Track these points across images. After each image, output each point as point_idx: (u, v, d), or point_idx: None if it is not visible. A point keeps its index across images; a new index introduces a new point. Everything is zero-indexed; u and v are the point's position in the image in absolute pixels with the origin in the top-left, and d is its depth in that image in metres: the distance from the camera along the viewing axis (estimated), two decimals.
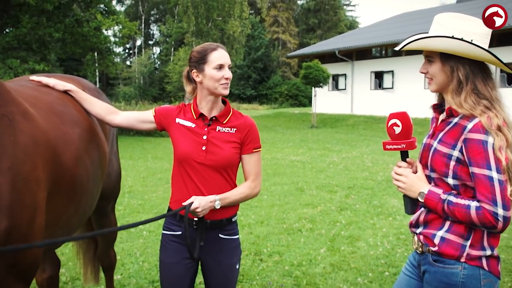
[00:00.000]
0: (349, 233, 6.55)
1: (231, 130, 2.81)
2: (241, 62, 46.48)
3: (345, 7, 73.22)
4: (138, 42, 63.33)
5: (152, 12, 65.62)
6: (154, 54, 63.94)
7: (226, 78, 2.71)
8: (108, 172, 3.55)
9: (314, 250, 5.81)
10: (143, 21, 60.21)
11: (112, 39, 26.36)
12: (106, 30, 21.29)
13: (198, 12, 34.30)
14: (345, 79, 31.93)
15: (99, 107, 3.02)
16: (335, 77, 32.15)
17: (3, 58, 16.70)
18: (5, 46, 17.27)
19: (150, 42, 66.63)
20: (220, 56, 2.73)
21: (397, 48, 2.23)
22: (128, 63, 62.24)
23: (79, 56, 25.12)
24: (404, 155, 2.31)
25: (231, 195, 2.77)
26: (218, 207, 2.70)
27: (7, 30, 18.99)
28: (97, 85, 52.86)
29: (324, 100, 31.42)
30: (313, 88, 27.68)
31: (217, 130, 2.80)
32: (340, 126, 25.76)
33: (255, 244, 6.04)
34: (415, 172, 2.24)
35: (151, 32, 67.49)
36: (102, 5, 20.50)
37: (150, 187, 9.85)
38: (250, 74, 54.24)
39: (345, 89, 31.95)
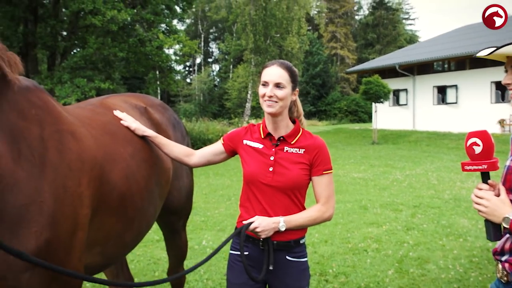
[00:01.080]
0: (417, 254, 6.27)
1: (299, 150, 2.73)
2: (299, 79, 46.34)
3: (404, 21, 72.02)
4: (198, 60, 64.55)
5: (211, 30, 66.83)
6: (213, 72, 64.95)
7: (269, 96, 2.64)
8: (179, 187, 3.59)
9: (381, 272, 5.58)
10: (202, 39, 61.41)
11: (173, 57, 26.94)
12: (167, 49, 21.75)
13: (256, 29, 34.62)
14: (407, 94, 31.23)
15: (177, 151, 3.03)
16: (396, 92, 31.52)
17: (71, 77, 17.30)
18: (73, 66, 17.91)
19: (210, 60, 67.77)
20: (268, 73, 2.68)
21: (481, 55, 2.08)
22: (188, 80, 63.49)
23: (142, 75, 25.75)
24: (485, 177, 2.10)
25: (298, 218, 2.68)
26: (283, 229, 2.62)
27: (75, 51, 19.74)
28: None
29: (385, 116, 30.84)
30: (373, 103, 27.20)
31: (284, 151, 2.73)
32: (402, 142, 25.12)
33: (319, 264, 5.88)
34: (498, 196, 2.05)
35: (211, 50, 68.70)
36: (163, 25, 20.96)
37: (212, 204, 9.87)
38: (309, 90, 54.09)
39: (406, 104, 31.23)
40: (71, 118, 2.43)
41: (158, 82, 25.33)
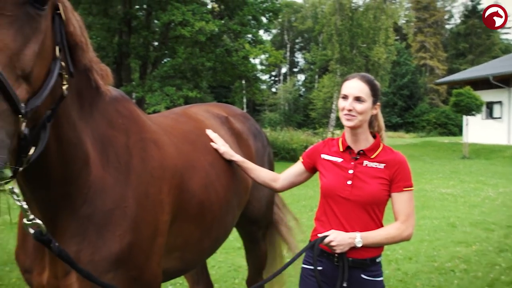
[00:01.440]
0: (510, 278, 5.87)
1: (379, 165, 2.66)
2: (386, 89, 45.48)
3: (499, 29, 68.56)
4: (284, 70, 64.95)
5: (297, 41, 67.09)
6: (298, 81, 65.06)
7: (348, 110, 2.60)
8: (259, 197, 3.61)
9: None
10: (288, 49, 61.77)
11: (259, 67, 27.25)
12: (253, 58, 22.01)
13: (342, 39, 34.22)
14: (501, 107, 29.57)
15: (263, 176, 3.08)
16: (490, 105, 29.93)
17: (161, 86, 17.97)
18: (163, 75, 18.61)
19: (295, 70, 68.03)
20: (348, 86, 2.65)
21: None
22: (274, 90, 63.98)
23: (228, 84, 26.28)
24: None
25: (376, 235, 2.60)
26: (359, 245, 2.55)
27: (165, 60, 20.48)
28: (244, 111, 55.09)
29: (477, 129, 29.36)
30: (464, 116, 26.04)
31: (364, 165, 2.68)
32: (495, 157, 23.78)
33: (402, 282, 5.67)
34: None
35: (296, 60, 68.93)
36: (250, 35, 21.27)
37: (295, 214, 9.79)
38: (396, 101, 52.86)
39: (500, 117, 29.57)
40: (154, 127, 2.52)
41: (244, 91, 25.68)
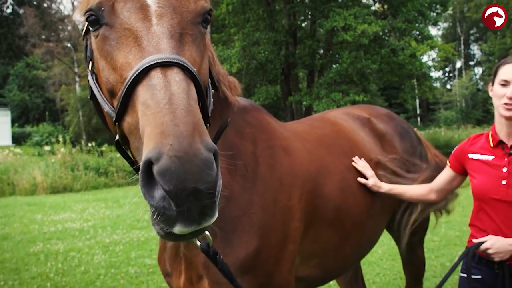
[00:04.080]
0: None
1: None
2: None
3: None
4: (458, 64, 61.23)
5: (471, 32, 62.81)
6: (476, 75, 60.80)
7: (509, 98, 2.31)
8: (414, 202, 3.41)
9: None
10: (462, 41, 58.13)
11: (430, 63, 26.12)
12: (421, 55, 21.16)
13: None
14: None
15: (417, 194, 2.93)
16: None
17: (327, 92, 18.17)
18: (329, 81, 18.81)
19: (471, 63, 63.65)
20: (509, 70, 2.35)
21: None
22: (448, 86, 60.65)
23: (397, 84, 25.60)
24: None
25: None
26: None
27: (331, 67, 20.71)
28: (417, 111, 53.11)
29: None
30: None
31: None
32: None
33: None
34: None
35: (472, 53, 64.48)
36: (416, 32, 20.52)
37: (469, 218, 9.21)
38: None
39: None
40: (286, 134, 2.57)
41: (415, 91, 24.81)
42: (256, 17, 20.07)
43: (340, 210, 2.66)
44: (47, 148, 20.07)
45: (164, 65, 1.42)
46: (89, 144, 21.05)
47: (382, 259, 6.67)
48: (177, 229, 1.27)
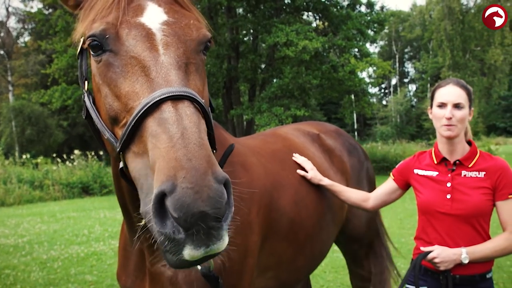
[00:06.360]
0: None
1: (479, 174, 2.53)
2: (505, 93, 42.71)
3: None
4: (393, 81, 63.43)
5: (405, 50, 65.27)
6: (410, 92, 63.12)
7: (448, 118, 2.46)
8: (358, 215, 3.52)
9: None
10: (397, 59, 60.29)
11: (367, 80, 26.86)
12: (360, 72, 21.78)
13: (454, 44, 32.74)
14: None
15: (354, 197, 3.01)
16: None
17: (269, 106, 18.33)
18: (270, 96, 18.99)
19: (405, 80, 66.11)
20: (444, 93, 2.52)
21: None
22: (384, 102, 62.61)
23: (337, 100, 26.16)
24: None
25: (484, 249, 2.46)
26: (465, 261, 2.43)
27: (272, 82, 20.91)
28: (355, 126, 54.47)
29: None
30: None
31: (462, 176, 2.55)
32: None
33: None
34: None
35: (406, 70, 67.01)
36: (355, 49, 21.10)
37: (407, 230, 9.53)
38: None
39: None
40: (242, 149, 2.59)
41: (353, 106, 25.45)
42: None
43: (294, 223, 2.70)
44: None
45: (175, 98, 1.44)
46: (23, 156, 20.28)
47: (325, 271, 6.77)
48: (187, 252, 1.31)
